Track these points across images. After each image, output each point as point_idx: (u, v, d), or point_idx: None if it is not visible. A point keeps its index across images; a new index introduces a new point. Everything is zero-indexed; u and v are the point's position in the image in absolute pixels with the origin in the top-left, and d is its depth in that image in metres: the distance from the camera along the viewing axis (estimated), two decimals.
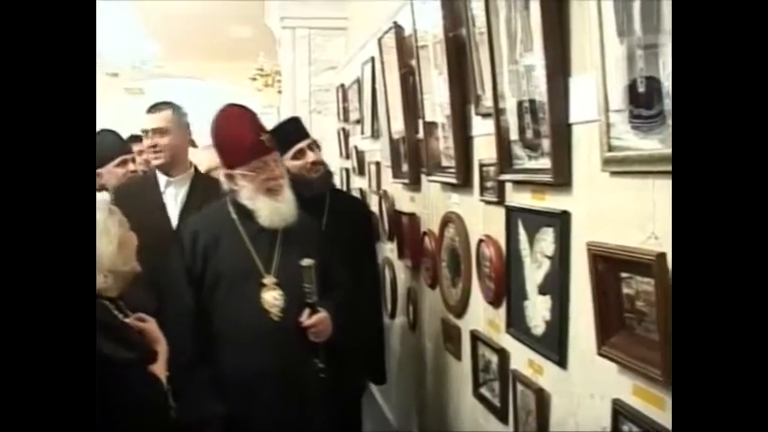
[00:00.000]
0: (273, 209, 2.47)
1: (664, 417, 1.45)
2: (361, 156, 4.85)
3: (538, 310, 2.04)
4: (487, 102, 2.24)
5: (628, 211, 1.54)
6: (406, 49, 3.08)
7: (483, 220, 2.47)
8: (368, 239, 3.45)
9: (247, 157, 2.43)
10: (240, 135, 2.46)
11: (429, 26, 2.69)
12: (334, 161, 5.11)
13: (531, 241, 2.05)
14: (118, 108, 10.23)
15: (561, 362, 1.91)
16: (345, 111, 5.30)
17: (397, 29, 3.08)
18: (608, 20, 1.50)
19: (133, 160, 3.48)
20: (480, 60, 2.29)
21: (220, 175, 2.53)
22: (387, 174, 3.90)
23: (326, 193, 3.14)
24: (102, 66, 9.33)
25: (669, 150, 1.31)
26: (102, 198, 2.14)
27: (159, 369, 2.03)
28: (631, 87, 1.45)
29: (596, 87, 1.57)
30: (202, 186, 3.04)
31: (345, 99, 5.30)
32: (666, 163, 1.33)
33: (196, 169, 3.18)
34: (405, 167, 3.38)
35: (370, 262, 3.43)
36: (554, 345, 1.93)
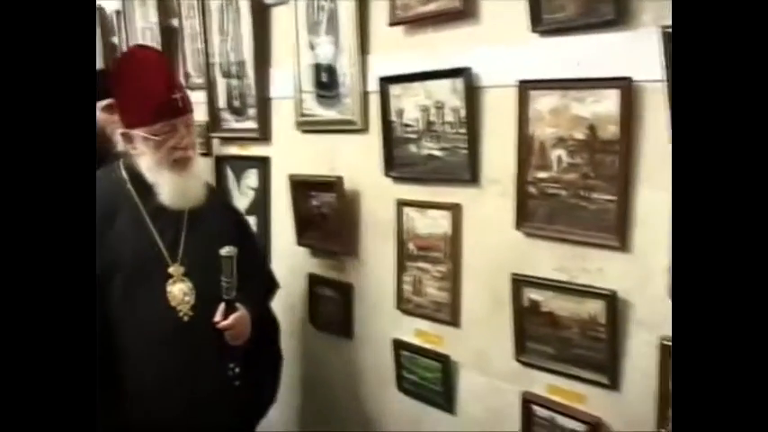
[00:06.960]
0: (177, 186, 1.98)
1: (338, 276, 2.48)
2: None
3: None
4: (198, 79, 3.04)
5: (315, 155, 2.50)
6: (108, 31, 3.67)
7: None
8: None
9: (154, 118, 1.92)
10: (148, 88, 1.93)
11: (138, 14, 3.36)
12: None
13: (238, 179, 2.92)
14: None
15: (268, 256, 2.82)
16: None
17: (101, 11, 3.66)
18: (302, 36, 2.43)
19: None
20: (191, 47, 3.07)
21: (116, 133, 2.03)
22: None
23: None
24: None
25: (343, 117, 2.31)
26: None
27: None
28: (317, 78, 2.41)
29: (292, 76, 2.49)
30: None
31: None
32: (340, 124, 2.32)
33: None
34: None
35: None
36: (262, 246, 2.83)
